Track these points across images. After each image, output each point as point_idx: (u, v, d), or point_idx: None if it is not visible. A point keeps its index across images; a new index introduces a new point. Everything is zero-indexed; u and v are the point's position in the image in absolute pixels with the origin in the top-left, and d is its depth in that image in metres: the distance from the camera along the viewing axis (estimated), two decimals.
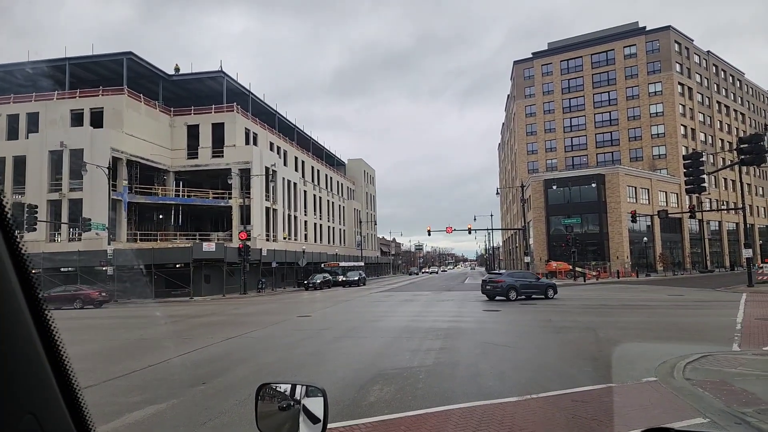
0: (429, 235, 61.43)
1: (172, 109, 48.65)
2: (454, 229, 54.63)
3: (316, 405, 1.94)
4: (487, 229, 79.61)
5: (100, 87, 43.79)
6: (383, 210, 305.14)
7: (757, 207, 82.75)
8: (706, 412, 6.51)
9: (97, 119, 42.17)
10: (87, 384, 8.65)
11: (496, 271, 32.77)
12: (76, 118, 42.94)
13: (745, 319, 16.39)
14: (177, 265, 37.36)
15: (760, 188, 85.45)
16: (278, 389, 2.07)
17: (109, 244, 34.89)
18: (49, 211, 40.34)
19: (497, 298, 27.35)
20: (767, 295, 25.68)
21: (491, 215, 72.34)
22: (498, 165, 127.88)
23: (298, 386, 2.01)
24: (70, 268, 36.19)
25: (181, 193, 47.05)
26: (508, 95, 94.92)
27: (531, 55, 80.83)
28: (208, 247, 38.41)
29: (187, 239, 45.71)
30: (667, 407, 7.00)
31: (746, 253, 34.25)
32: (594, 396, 7.53)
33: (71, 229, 40.29)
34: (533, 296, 27.53)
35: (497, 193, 71.03)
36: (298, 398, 1.97)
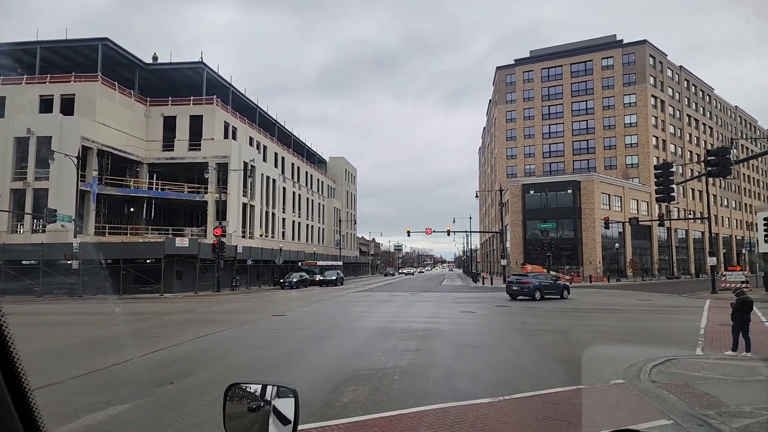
0: (408, 235, 61.85)
1: (148, 99, 47.47)
2: (434, 231, 54.98)
3: (286, 406, 1.90)
4: (466, 232, 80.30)
5: (73, 73, 42.48)
6: (366, 209, 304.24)
7: (722, 217, 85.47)
8: (670, 414, 6.68)
9: (67, 106, 40.80)
10: (43, 384, 8.33)
11: (522, 273, 34.25)
12: (46, 105, 41.51)
13: (708, 324, 16.90)
14: (147, 261, 36.50)
15: (725, 199, 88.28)
16: (248, 390, 2.01)
17: (75, 236, 33.84)
18: (12, 201, 38.85)
19: (518, 297, 28.70)
20: (729, 301, 26.50)
21: (470, 218, 72.95)
22: (478, 168, 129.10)
23: (268, 387, 1.96)
24: (32, 261, 34.91)
25: (154, 186, 46.00)
26: (490, 100, 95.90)
27: (513, 62, 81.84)
28: (181, 242, 37.64)
29: (159, 234, 44.71)
30: (633, 409, 7.15)
31: (711, 261, 35.37)
32: (564, 397, 7.64)
33: (35, 220, 38.94)
34: (547, 296, 28.77)
35: (476, 196, 71.64)
36: (269, 399, 1.92)
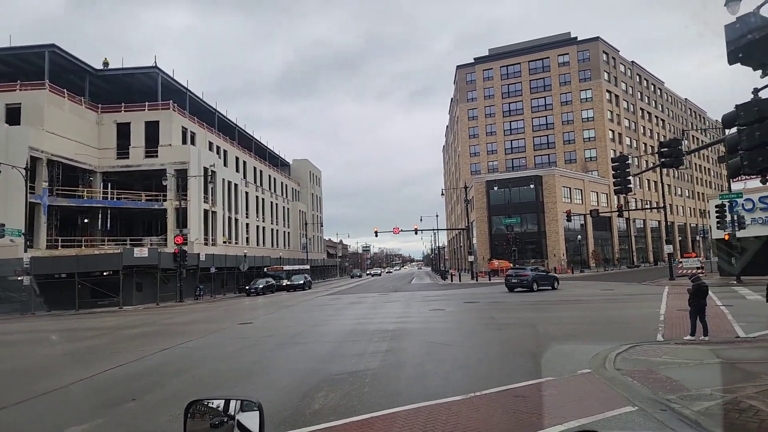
0: (376, 236, 61.95)
1: (99, 105, 45.81)
2: (401, 230, 55.15)
3: (251, 420, 1.87)
4: (433, 230, 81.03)
5: (18, 81, 40.57)
6: (332, 211, 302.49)
7: (677, 206, 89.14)
8: (635, 401, 6.85)
9: (13, 116, 38.93)
10: None
11: (521, 267, 37.35)
12: None
13: (667, 311, 17.53)
14: (105, 273, 35.07)
15: (679, 189, 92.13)
16: (210, 405, 1.97)
17: (25, 251, 32.31)
18: None
19: (516, 289, 30.78)
20: (686, 287, 27.62)
21: (437, 216, 73.52)
22: (443, 166, 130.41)
23: (231, 401, 1.92)
24: None
25: (109, 196, 44.39)
26: (452, 98, 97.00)
27: (473, 60, 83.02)
28: (140, 252, 36.41)
29: (116, 245, 43.14)
30: (600, 397, 7.29)
31: (668, 249, 36.84)
32: (533, 390, 7.73)
33: None
34: (541, 287, 30.99)
35: (442, 194, 72.54)
36: (232, 413, 1.88)
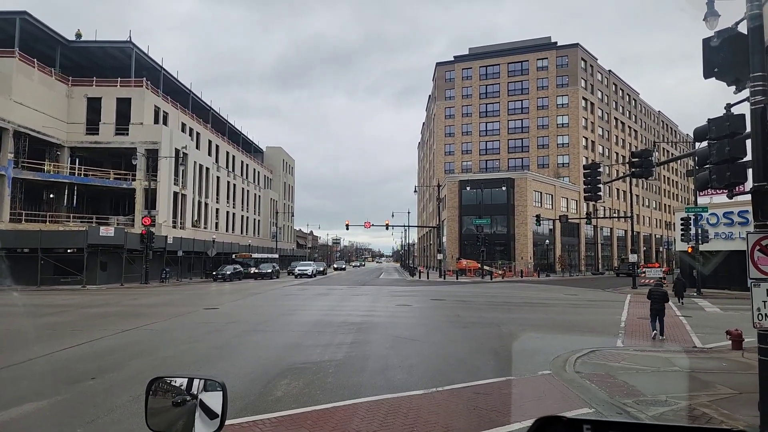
0: (347, 229, 61.09)
1: (70, 78, 44.21)
2: (372, 225, 54.96)
3: (214, 400, 1.85)
4: (404, 226, 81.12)
5: None
6: (308, 202, 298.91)
7: (644, 216, 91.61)
8: (591, 403, 7.07)
9: None
10: None
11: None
12: None
13: (628, 318, 18.06)
14: (69, 250, 34.23)
15: (647, 200, 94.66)
16: (173, 383, 1.93)
17: None
18: None
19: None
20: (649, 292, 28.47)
21: (408, 212, 73.84)
22: (417, 163, 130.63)
23: (195, 380, 1.90)
24: None
25: (77, 172, 43.04)
26: (430, 95, 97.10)
27: (453, 59, 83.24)
28: (106, 231, 35.53)
29: (81, 222, 41.97)
30: (558, 398, 7.50)
31: (632, 258, 37.86)
32: (494, 388, 7.90)
33: None
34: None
35: (415, 191, 72.64)
36: (195, 393, 1.86)
